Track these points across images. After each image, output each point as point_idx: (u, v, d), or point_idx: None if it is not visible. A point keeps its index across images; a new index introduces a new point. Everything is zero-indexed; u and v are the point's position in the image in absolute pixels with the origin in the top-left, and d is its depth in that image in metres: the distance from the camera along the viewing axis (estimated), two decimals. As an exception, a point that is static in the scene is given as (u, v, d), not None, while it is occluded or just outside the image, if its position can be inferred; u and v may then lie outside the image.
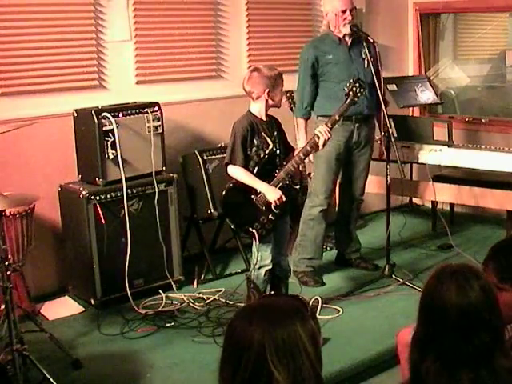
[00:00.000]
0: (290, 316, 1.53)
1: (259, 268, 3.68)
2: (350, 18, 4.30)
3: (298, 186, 3.72)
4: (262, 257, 3.66)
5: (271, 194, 3.55)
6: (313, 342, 1.52)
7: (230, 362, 1.53)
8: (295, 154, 3.66)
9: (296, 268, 4.49)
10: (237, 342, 1.52)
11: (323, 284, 4.47)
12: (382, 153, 4.81)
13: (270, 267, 3.69)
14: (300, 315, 1.54)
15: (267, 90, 3.57)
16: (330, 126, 3.70)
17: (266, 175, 3.58)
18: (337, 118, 3.78)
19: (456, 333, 1.77)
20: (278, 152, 3.64)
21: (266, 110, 3.63)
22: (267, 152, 3.60)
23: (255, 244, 3.64)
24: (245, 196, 3.59)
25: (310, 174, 4.76)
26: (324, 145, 3.66)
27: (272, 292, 3.72)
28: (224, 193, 3.63)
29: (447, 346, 1.78)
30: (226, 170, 3.60)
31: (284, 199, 3.56)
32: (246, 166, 3.56)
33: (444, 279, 1.83)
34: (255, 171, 3.58)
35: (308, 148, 3.65)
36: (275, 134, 3.65)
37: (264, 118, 3.64)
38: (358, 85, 3.83)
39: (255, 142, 3.58)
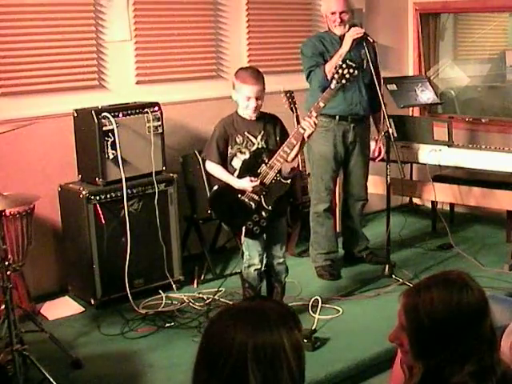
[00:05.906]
0: (276, 323, 1.46)
1: (248, 267, 3.69)
2: (338, 20, 4.29)
3: (288, 181, 3.60)
4: (250, 255, 3.66)
5: (244, 186, 3.54)
6: (296, 355, 1.45)
7: (206, 364, 1.45)
8: (280, 148, 3.54)
9: (315, 263, 4.61)
10: (217, 343, 1.44)
11: (339, 277, 4.55)
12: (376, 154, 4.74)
13: (259, 267, 3.68)
14: (287, 325, 1.48)
15: (234, 92, 3.58)
16: (314, 114, 3.54)
17: (253, 173, 3.56)
18: (321, 105, 3.57)
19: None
20: (265, 150, 3.58)
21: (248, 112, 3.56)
22: (252, 150, 3.57)
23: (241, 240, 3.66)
24: (232, 197, 3.58)
25: (309, 174, 4.77)
26: (309, 136, 3.56)
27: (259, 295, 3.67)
28: (209, 199, 3.68)
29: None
30: (204, 166, 3.67)
31: (250, 189, 3.52)
32: (223, 163, 3.56)
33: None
34: (240, 168, 3.56)
35: (293, 140, 3.52)
36: (262, 133, 3.58)
37: (249, 118, 3.59)
38: (344, 66, 3.56)
39: (237, 140, 3.57)
